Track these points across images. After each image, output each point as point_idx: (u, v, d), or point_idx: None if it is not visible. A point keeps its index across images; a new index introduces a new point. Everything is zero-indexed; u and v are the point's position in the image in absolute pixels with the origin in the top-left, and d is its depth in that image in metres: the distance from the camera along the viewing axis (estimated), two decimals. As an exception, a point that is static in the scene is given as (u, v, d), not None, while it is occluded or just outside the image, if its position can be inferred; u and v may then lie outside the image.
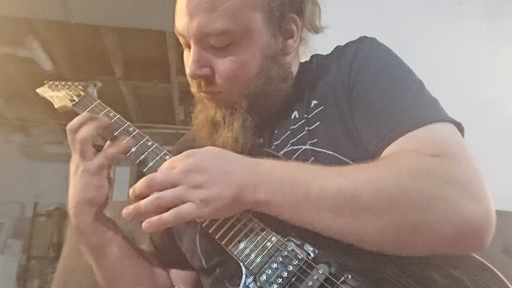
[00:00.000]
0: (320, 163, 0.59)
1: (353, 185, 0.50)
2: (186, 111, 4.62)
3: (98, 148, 0.68)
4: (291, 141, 0.67)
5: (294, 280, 0.54)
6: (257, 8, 0.63)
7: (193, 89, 0.70)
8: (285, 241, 0.57)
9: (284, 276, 0.54)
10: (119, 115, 0.72)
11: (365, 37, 0.70)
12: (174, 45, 3.19)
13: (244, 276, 0.56)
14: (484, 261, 0.51)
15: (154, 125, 4.71)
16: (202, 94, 0.69)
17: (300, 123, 0.67)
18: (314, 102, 0.68)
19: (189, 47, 0.66)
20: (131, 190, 0.57)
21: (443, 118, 0.58)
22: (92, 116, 0.67)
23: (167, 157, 0.65)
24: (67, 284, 1.00)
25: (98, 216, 0.67)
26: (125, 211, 0.57)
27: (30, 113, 4.36)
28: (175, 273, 0.81)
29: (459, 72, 1.58)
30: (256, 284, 0.55)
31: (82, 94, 0.77)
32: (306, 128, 0.66)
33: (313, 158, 0.63)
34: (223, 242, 0.59)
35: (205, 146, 0.71)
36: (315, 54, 0.76)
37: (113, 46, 3.22)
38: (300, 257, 0.55)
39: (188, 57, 0.66)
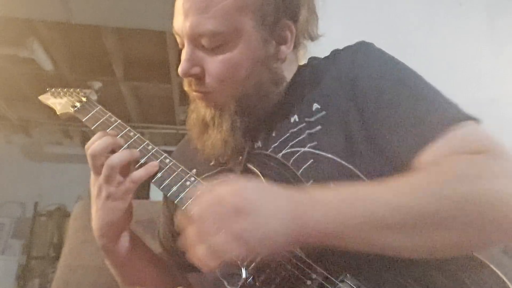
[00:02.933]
0: (319, 166, 0.60)
1: (413, 199, 0.48)
2: (186, 111, 4.62)
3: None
4: (290, 144, 0.67)
5: (293, 279, 0.54)
6: (249, 11, 0.64)
7: (186, 87, 0.71)
8: None
9: (283, 275, 0.54)
10: (119, 120, 0.73)
11: (363, 41, 0.71)
12: (174, 45, 3.19)
13: (243, 276, 0.56)
14: (486, 262, 0.50)
15: (154, 126, 4.72)
16: (194, 93, 0.70)
17: (300, 126, 0.67)
18: (315, 106, 0.68)
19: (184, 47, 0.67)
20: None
21: (464, 116, 0.58)
22: (115, 140, 0.68)
23: (188, 183, 0.65)
24: (67, 284, 1.00)
25: (124, 235, 0.70)
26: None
27: (31, 114, 4.36)
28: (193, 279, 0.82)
29: (459, 72, 1.58)
30: (255, 284, 0.55)
31: (83, 100, 0.79)
32: (306, 132, 0.66)
33: (312, 160, 0.63)
34: None
35: (195, 146, 0.72)
36: (312, 57, 0.76)
37: (113, 47, 3.22)
38: (298, 256, 0.55)
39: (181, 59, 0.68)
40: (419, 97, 0.61)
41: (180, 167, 0.67)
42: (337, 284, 0.52)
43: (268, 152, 0.68)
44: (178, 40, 0.69)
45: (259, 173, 0.65)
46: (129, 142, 0.70)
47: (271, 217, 0.47)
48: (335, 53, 0.73)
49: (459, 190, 0.47)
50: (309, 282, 0.53)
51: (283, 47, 0.69)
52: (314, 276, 0.53)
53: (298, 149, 0.65)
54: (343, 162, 0.61)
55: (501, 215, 0.47)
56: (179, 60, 0.67)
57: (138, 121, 4.56)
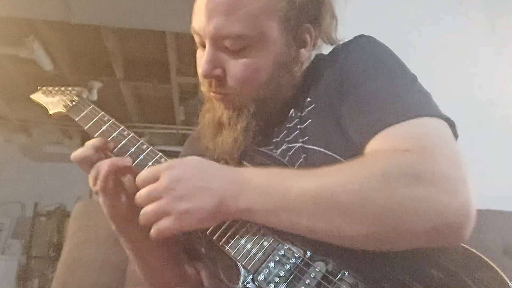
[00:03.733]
0: (311, 161, 0.61)
1: (329, 190, 0.51)
2: (186, 111, 4.62)
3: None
4: (286, 140, 0.67)
5: (292, 278, 0.54)
6: (275, 16, 0.64)
7: (204, 88, 0.71)
8: (282, 240, 0.57)
9: (282, 275, 0.55)
10: (113, 119, 0.73)
11: (361, 35, 0.70)
12: (174, 45, 3.19)
13: (242, 276, 0.57)
14: (481, 256, 0.51)
15: (154, 126, 4.71)
16: (212, 94, 0.69)
17: (294, 121, 0.68)
18: (307, 100, 0.68)
19: (204, 46, 0.67)
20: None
21: (430, 112, 0.57)
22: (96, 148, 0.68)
23: None
24: (67, 284, 1.00)
25: (129, 220, 0.69)
26: None
27: (31, 114, 4.36)
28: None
29: (459, 71, 1.58)
30: (254, 283, 0.56)
31: (76, 99, 0.78)
32: (298, 127, 0.67)
33: (304, 155, 0.63)
34: (220, 243, 0.60)
35: (208, 146, 0.72)
36: (317, 54, 0.76)
37: (113, 47, 3.22)
38: (297, 255, 0.56)
39: (201, 56, 0.68)
40: (390, 88, 0.61)
41: None
42: (335, 282, 0.52)
43: (263, 149, 0.68)
44: (197, 39, 0.69)
45: (249, 166, 0.66)
46: (123, 142, 0.69)
47: (199, 195, 0.55)
48: (335, 48, 0.73)
49: (371, 187, 0.49)
50: (308, 281, 0.53)
51: (303, 51, 0.69)
52: (313, 274, 0.53)
53: (293, 145, 0.66)
54: (335, 155, 0.61)
55: (397, 221, 0.48)
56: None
57: (138, 121, 4.56)
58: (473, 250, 0.51)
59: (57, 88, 0.85)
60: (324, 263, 0.54)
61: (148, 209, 0.57)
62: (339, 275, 0.53)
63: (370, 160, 0.53)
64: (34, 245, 4.83)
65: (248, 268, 0.57)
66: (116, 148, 0.69)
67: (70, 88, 0.83)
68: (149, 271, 0.76)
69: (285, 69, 0.68)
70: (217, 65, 0.66)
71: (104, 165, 0.65)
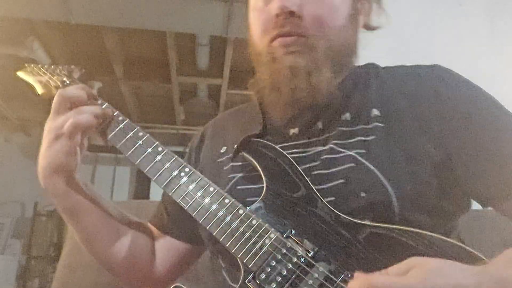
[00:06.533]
0: (357, 174, 0.58)
1: None
2: (186, 111, 4.63)
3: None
4: (334, 142, 0.63)
5: (294, 278, 0.53)
6: None
7: (265, 39, 0.67)
8: (284, 238, 0.56)
9: (284, 274, 0.54)
10: (107, 103, 0.70)
11: (443, 67, 0.68)
12: (174, 45, 3.20)
13: (243, 274, 0.56)
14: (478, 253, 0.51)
15: (154, 125, 4.72)
16: (280, 40, 0.65)
17: (353, 129, 0.64)
18: (374, 112, 0.64)
19: (266, 2, 0.66)
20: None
21: None
22: (94, 106, 0.67)
23: (182, 173, 0.64)
24: (67, 284, 1.00)
25: (69, 181, 0.67)
26: None
27: (30, 113, 4.36)
28: (163, 248, 0.78)
29: (459, 72, 1.58)
30: (255, 282, 0.55)
31: (67, 81, 0.74)
32: (358, 137, 0.62)
33: (352, 164, 0.60)
34: (221, 239, 0.59)
35: (235, 123, 0.74)
36: (370, 63, 0.73)
37: (113, 46, 3.22)
38: (299, 254, 0.54)
39: (259, 15, 0.67)
40: (506, 140, 0.60)
41: (174, 157, 0.65)
42: (339, 284, 0.51)
43: (267, 142, 0.65)
44: None
45: (254, 162, 0.64)
46: (120, 127, 0.68)
47: None
48: (407, 70, 0.69)
49: None
50: (310, 282, 0.52)
51: (360, 17, 0.69)
52: (315, 275, 0.52)
53: (342, 150, 0.62)
54: (384, 181, 0.58)
55: None
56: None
57: (138, 121, 4.56)
58: (474, 251, 0.51)
59: (46, 66, 0.79)
60: (327, 263, 0.53)
61: None
62: (342, 275, 0.52)
63: None
64: (34, 245, 4.83)
65: (250, 266, 0.55)
66: (111, 135, 0.68)
67: (60, 67, 0.78)
68: (91, 241, 0.72)
69: (352, 21, 0.67)
70: (295, 2, 0.63)
71: (94, 109, 0.65)
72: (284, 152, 0.63)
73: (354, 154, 0.61)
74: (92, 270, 1.00)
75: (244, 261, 0.56)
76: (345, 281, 0.51)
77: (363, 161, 0.60)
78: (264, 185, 0.62)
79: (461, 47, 1.63)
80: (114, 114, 0.69)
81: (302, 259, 0.54)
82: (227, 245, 0.58)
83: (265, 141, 0.66)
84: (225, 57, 3.37)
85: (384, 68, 0.72)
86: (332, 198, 0.58)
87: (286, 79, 0.64)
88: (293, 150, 0.65)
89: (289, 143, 0.67)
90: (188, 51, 3.43)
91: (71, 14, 2.54)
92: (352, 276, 0.51)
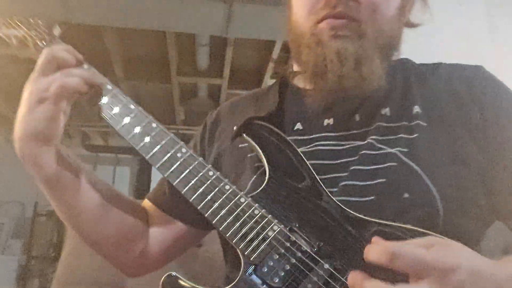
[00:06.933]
0: (399, 173, 0.56)
1: None
2: (186, 111, 4.62)
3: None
4: (373, 137, 0.60)
5: (298, 273, 0.51)
6: None
7: (311, 19, 0.62)
8: (288, 231, 0.53)
9: (287, 269, 0.51)
10: (94, 68, 0.67)
11: (486, 71, 0.67)
12: (174, 45, 3.20)
13: (243, 266, 0.53)
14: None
15: (155, 125, 4.71)
16: (329, 21, 0.61)
17: (394, 124, 0.61)
18: (416, 109, 0.61)
19: None
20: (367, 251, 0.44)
21: None
22: (86, 71, 0.63)
23: (179, 154, 0.59)
24: (67, 284, 1.00)
25: (49, 150, 0.61)
26: None
27: (30, 113, 4.36)
28: (159, 228, 0.72)
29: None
30: (256, 275, 0.52)
31: (47, 38, 0.69)
32: (400, 135, 0.60)
33: (394, 164, 0.57)
34: (220, 229, 0.55)
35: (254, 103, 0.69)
36: (406, 58, 0.71)
37: (113, 46, 3.22)
38: (303, 249, 0.52)
39: None
40: None
41: (169, 135, 0.61)
42: (344, 282, 0.49)
43: (271, 127, 0.61)
44: None
45: (256, 146, 0.60)
46: (110, 95, 0.64)
47: None
48: (445, 66, 0.68)
49: None
50: (315, 278, 0.50)
51: (406, 12, 0.67)
52: (320, 272, 0.50)
53: (383, 147, 0.59)
54: (428, 183, 0.55)
55: None
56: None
57: (138, 121, 4.56)
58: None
59: (23, 19, 0.73)
60: (331, 259, 0.51)
61: None
62: (348, 273, 0.48)
63: None
64: (34, 245, 4.83)
65: (251, 258, 0.52)
66: (100, 102, 0.63)
67: (39, 21, 0.72)
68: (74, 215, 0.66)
69: (400, 15, 0.65)
70: None
71: (84, 73, 0.61)
72: (288, 139, 0.59)
73: (397, 152, 0.58)
74: (92, 270, 1.00)
75: (246, 253, 0.53)
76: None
77: (406, 160, 0.57)
78: (267, 172, 0.58)
79: (461, 47, 1.63)
80: (103, 81, 0.65)
81: (307, 255, 0.51)
82: (227, 235, 0.54)
83: (269, 125, 0.61)
84: (225, 57, 3.38)
85: (421, 64, 0.69)
86: (372, 198, 0.55)
87: (333, 65, 0.60)
88: (327, 142, 0.61)
89: (322, 134, 0.62)
90: (188, 51, 3.43)
91: (71, 14, 2.54)
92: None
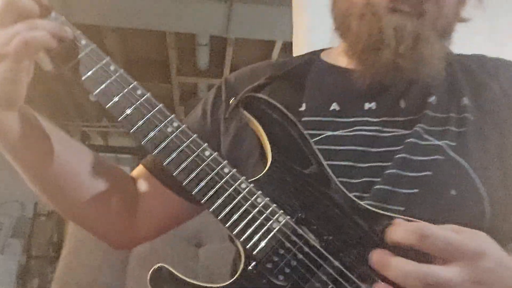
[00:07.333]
0: (444, 167, 0.53)
1: None
2: (186, 111, 4.62)
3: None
4: (419, 126, 0.55)
5: (305, 271, 0.46)
6: None
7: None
8: (294, 223, 0.48)
9: (293, 265, 0.46)
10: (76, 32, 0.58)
11: None
12: (174, 45, 3.20)
13: (244, 262, 0.47)
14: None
15: (155, 125, 4.71)
16: (399, 5, 0.55)
17: (441, 115, 0.57)
18: (465, 102, 0.58)
19: None
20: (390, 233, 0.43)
21: None
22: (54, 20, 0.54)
23: (169, 129, 0.53)
24: (67, 284, 1.00)
25: (12, 114, 0.54)
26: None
27: (30, 113, 4.36)
28: (150, 197, 0.66)
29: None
30: (259, 272, 0.46)
31: None
32: (448, 127, 0.56)
33: (440, 157, 0.53)
34: (219, 218, 0.48)
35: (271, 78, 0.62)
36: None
37: (113, 46, 3.22)
38: (311, 244, 0.47)
39: None
40: None
41: (158, 105, 0.55)
42: (354, 281, 0.45)
43: (274, 102, 0.53)
44: None
45: (253, 120, 0.52)
46: (85, 52, 0.55)
47: None
48: (488, 59, 0.65)
49: None
50: (324, 277, 0.45)
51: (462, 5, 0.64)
52: (329, 270, 0.46)
53: (428, 137, 0.55)
54: (477, 181, 0.52)
55: None
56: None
57: (138, 121, 4.57)
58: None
59: None
60: (341, 255, 0.46)
61: (438, 274, 0.40)
62: (357, 272, 0.46)
63: None
64: (34, 245, 4.83)
65: (254, 253, 0.47)
66: (73, 61, 0.54)
67: None
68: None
69: (459, 9, 0.62)
70: None
71: (52, 26, 0.52)
72: (293, 118, 0.52)
73: (444, 145, 0.54)
74: (92, 270, 1.00)
75: (247, 246, 0.47)
76: (360, 278, 0.45)
77: (453, 155, 0.53)
78: (270, 155, 0.51)
79: (461, 47, 1.63)
80: (75, 35, 0.56)
81: (315, 250, 0.46)
82: (226, 226, 0.48)
83: (272, 101, 0.53)
84: (225, 57, 3.38)
85: (460, 54, 0.65)
86: (416, 190, 0.51)
87: (392, 41, 0.54)
88: (369, 128, 0.57)
89: (363, 118, 0.58)
90: (188, 51, 3.43)
91: (70, 14, 2.54)
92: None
